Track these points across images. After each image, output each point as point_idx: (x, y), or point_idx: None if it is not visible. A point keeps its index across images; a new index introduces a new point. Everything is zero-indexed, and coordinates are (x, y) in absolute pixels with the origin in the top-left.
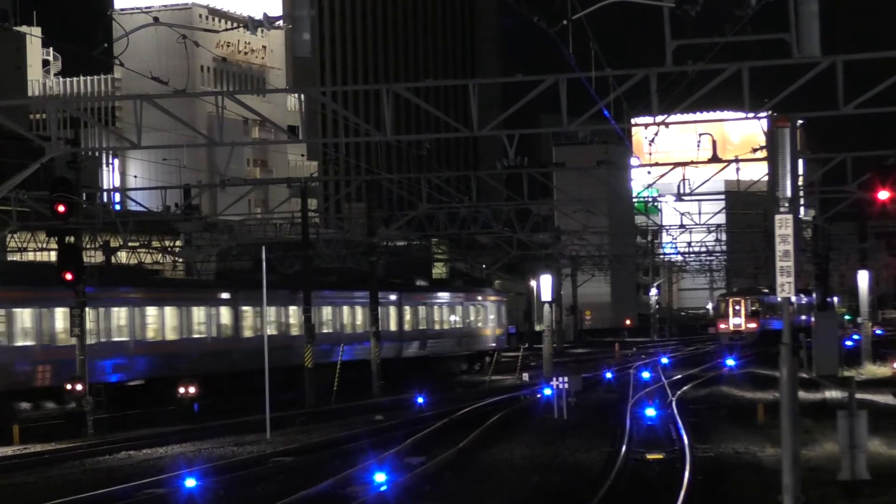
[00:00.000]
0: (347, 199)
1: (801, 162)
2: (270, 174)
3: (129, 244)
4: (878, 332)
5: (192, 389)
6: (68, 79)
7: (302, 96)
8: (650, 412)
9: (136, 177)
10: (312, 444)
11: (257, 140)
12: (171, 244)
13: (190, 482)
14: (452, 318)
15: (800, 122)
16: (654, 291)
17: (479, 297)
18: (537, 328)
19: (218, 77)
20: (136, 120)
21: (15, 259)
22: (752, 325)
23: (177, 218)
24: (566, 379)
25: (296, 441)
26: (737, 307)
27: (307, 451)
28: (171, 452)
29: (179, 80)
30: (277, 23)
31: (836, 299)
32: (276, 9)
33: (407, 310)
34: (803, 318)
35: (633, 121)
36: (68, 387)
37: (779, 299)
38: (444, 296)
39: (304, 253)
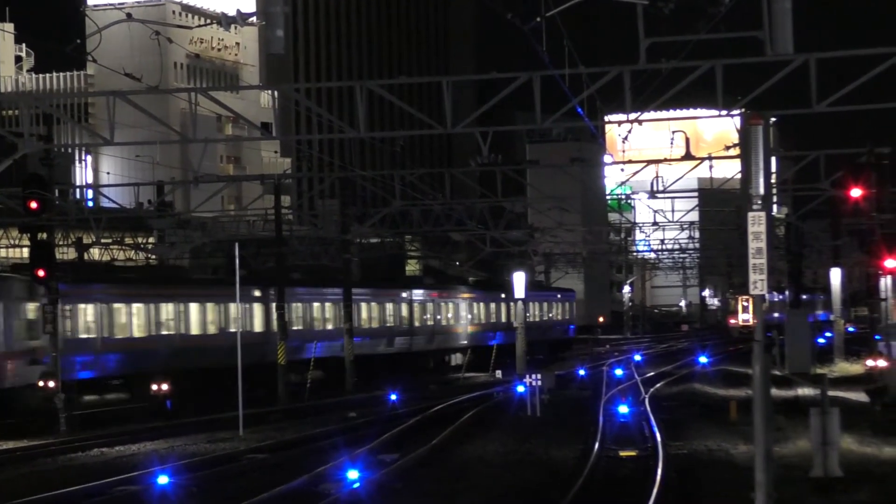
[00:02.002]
0: (321, 196)
1: (773, 159)
2: (244, 171)
3: (102, 241)
4: (851, 329)
5: (164, 386)
6: (41, 75)
7: (275, 93)
8: (623, 409)
9: (108, 173)
10: (286, 440)
11: (231, 137)
12: (144, 241)
13: (163, 479)
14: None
15: (773, 119)
16: (627, 289)
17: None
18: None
19: (191, 74)
20: (109, 116)
21: None
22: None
23: (150, 214)
24: (539, 376)
25: (269, 438)
26: (745, 304)
27: (280, 447)
28: (144, 449)
29: (153, 76)
30: (251, 19)
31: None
32: (249, 5)
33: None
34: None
35: (606, 118)
36: (40, 383)
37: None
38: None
39: (277, 250)
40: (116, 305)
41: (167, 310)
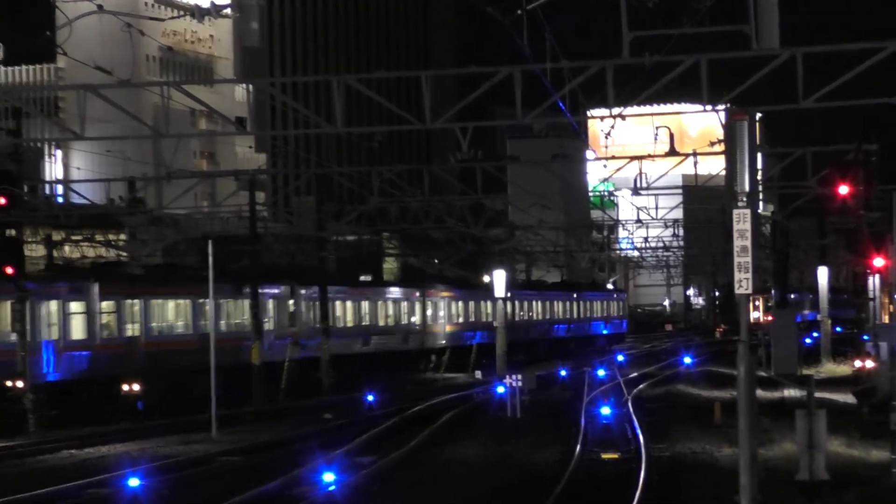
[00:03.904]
0: (297, 193)
1: (759, 156)
2: (218, 167)
3: (72, 238)
4: (838, 329)
5: (135, 387)
6: (10, 68)
7: (250, 87)
8: (605, 411)
9: (79, 169)
10: (260, 442)
11: (204, 132)
12: (116, 238)
13: (133, 482)
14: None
15: (758, 115)
16: (610, 288)
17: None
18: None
19: (164, 67)
20: (80, 110)
21: None
22: (770, 318)
23: (121, 211)
24: (520, 377)
25: (243, 440)
26: (756, 303)
27: (255, 450)
28: (115, 451)
29: (124, 69)
30: (225, 11)
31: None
32: None
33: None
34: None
35: (588, 113)
36: (9, 383)
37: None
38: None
39: (251, 247)
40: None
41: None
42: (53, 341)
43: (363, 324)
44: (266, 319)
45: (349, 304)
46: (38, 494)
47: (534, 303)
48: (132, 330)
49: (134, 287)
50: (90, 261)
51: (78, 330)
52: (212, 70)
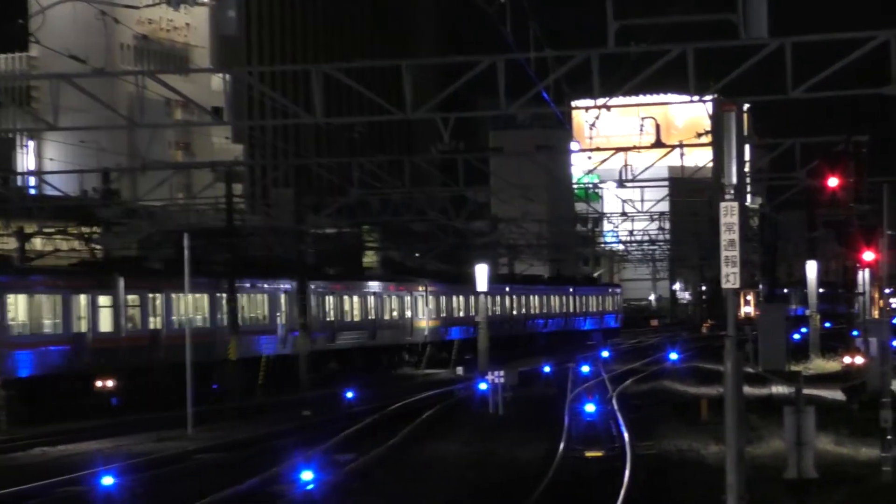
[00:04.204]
0: (275, 185)
1: (747, 147)
2: (194, 158)
3: (45, 230)
4: (827, 324)
5: (109, 383)
6: None
7: (227, 76)
8: (590, 408)
9: (52, 160)
10: (237, 440)
11: (180, 122)
12: (90, 231)
13: (107, 480)
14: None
15: (746, 105)
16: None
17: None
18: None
19: (139, 56)
20: (53, 100)
21: None
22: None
23: (95, 203)
24: (502, 373)
25: (219, 437)
26: (747, 297)
27: (231, 447)
28: (88, 449)
29: (98, 58)
30: None
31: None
32: None
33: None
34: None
35: (573, 104)
36: None
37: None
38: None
39: (228, 240)
40: None
41: None
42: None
43: (369, 318)
44: (278, 314)
45: (356, 298)
46: (9, 493)
47: (531, 297)
48: (154, 323)
49: (153, 281)
50: (65, 255)
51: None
52: (188, 59)
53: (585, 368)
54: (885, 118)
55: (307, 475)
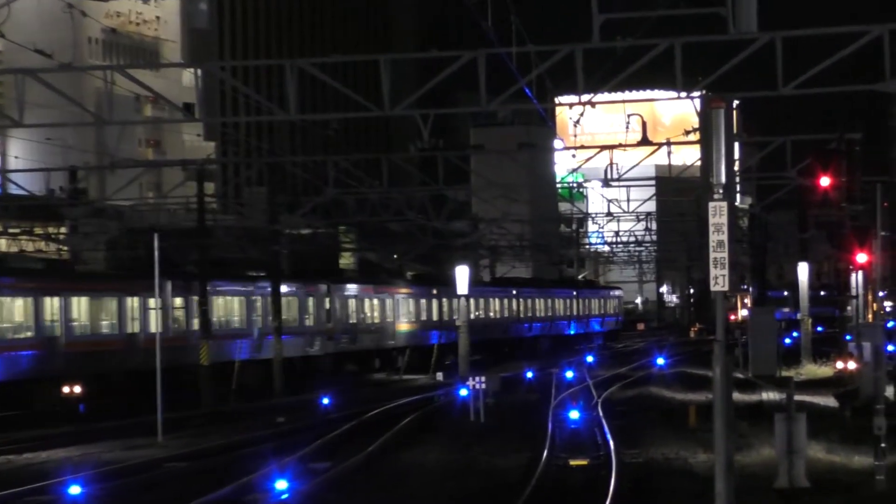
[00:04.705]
0: (248, 183)
1: (736, 145)
2: (164, 156)
3: (10, 231)
4: (819, 328)
5: (76, 388)
6: None
7: (199, 71)
8: (574, 415)
9: (17, 157)
10: (208, 447)
11: (150, 119)
12: (56, 231)
13: (74, 489)
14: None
15: (736, 102)
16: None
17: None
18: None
19: (107, 50)
20: (18, 96)
21: None
22: None
23: (62, 202)
24: (483, 379)
25: (190, 444)
26: (745, 300)
27: (202, 455)
28: (55, 457)
29: (65, 53)
30: None
31: None
32: None
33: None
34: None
35: (556, 100)
36: None
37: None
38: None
39: (200, 241)
40: None
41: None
42: None
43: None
44: (307, 316)
45: (368, 300)
46: None
47: (538, 300)
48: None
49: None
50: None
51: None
52: (158, 53)
53: (570, 374)
54: (879, 115)
55: (281, 484)
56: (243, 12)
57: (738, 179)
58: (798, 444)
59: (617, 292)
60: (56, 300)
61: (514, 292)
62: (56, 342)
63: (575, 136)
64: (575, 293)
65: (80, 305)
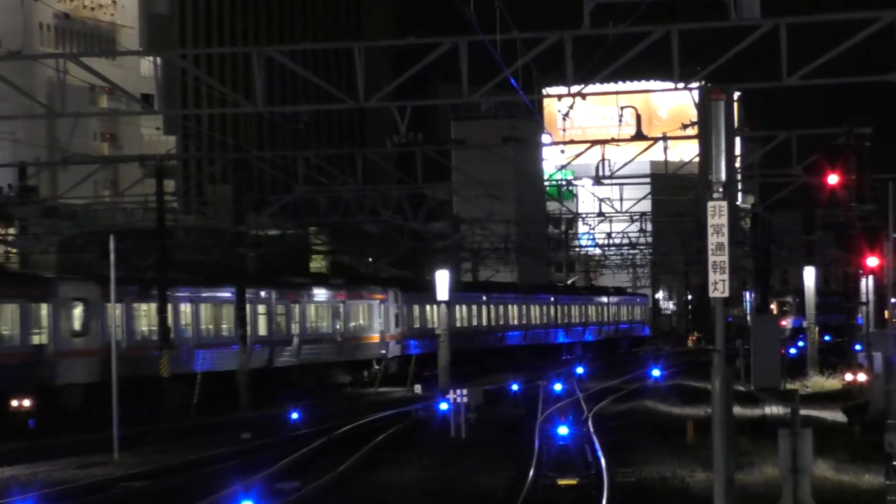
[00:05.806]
0: (211, 181)
1: (738, 140)
2: (121, 150)
3: None
4: (827, 337)
5: (26, 402)
6: None
7: (158, 60)
8: (563, 430)
9: None
10: (168, 466)
11: (106, 111)
12: (4, 232)
13: None
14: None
15: (737, 94)
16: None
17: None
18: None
19: (60, 37)
20: None
21: None
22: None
23: (11, 201)
24: (465, 392)
25: (149, 462)
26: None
27: (162, 473)
28: (2, 476)
29: (14, 39)
30: None
31: None
32: None
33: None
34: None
35: (544, 91)
36: None
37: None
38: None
39: (159, 243)
40: None
41: None
42: None
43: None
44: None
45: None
46: None
47: (574, 307)
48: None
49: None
50: None
51: None
52: (114, 40)
53: (558, 386)
54: (891, 108)
55: None
56: None
57: (739, 177)
58: (803, 463)
59: (644, 299)
60: None
61: (552, 299)
62: None
63: (564, 130)
64: (606, 300)
65: None
